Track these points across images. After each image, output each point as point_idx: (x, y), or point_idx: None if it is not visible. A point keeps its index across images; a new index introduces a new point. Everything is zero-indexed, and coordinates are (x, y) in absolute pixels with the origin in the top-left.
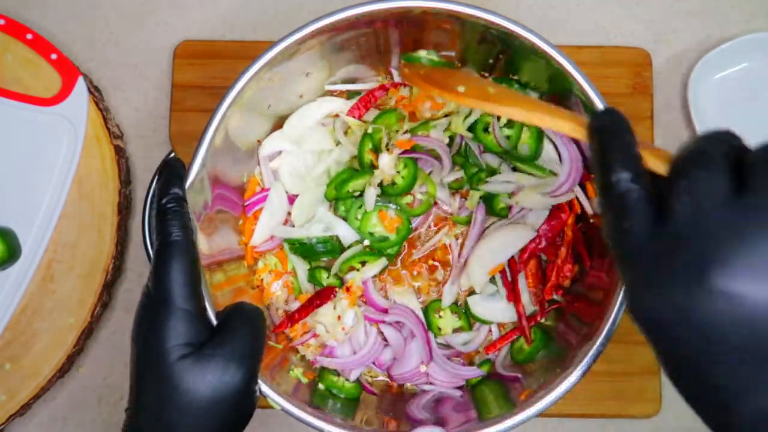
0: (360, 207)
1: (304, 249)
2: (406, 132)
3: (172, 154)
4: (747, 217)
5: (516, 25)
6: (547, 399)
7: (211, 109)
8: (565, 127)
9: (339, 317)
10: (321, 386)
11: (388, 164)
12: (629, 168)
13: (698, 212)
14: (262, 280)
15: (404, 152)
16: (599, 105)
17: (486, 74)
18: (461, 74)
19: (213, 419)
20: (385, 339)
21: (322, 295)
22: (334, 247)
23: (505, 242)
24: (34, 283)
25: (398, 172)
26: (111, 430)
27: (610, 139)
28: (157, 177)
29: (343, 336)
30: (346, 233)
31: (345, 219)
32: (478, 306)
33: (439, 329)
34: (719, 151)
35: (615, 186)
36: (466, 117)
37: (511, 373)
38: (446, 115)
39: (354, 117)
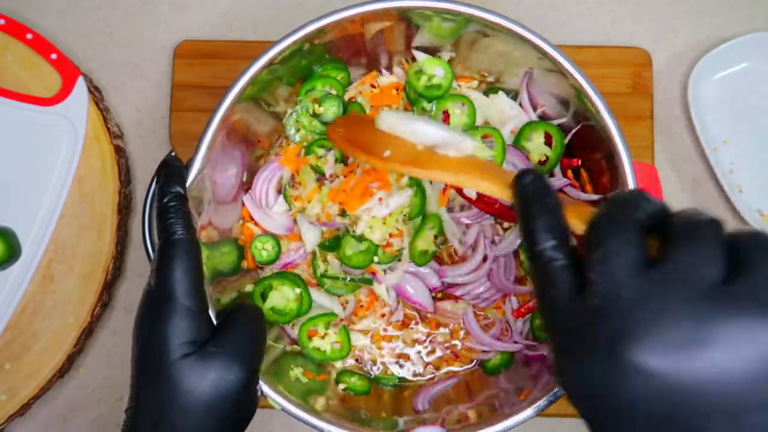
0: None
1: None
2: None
3: (173, 154)
4: (655, 292)
5: (516, 25)
6: (547, 399)
7: (211, 109)
8: (490, 189)
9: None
10: (341, 387)
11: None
12: (552, 236)
13: (611, 284)
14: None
15: None
16: (600, 106)
17: (485, 74)
18: (384, 133)
19: (214, 418)
20: None
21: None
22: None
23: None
24: (34, 283)
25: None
26: (111, 430)
27: (532, 204)
28: (156, 176)
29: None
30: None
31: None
32: None
33: None
34: (632, 219)
35: (539, 254)
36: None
37: (536, 352)
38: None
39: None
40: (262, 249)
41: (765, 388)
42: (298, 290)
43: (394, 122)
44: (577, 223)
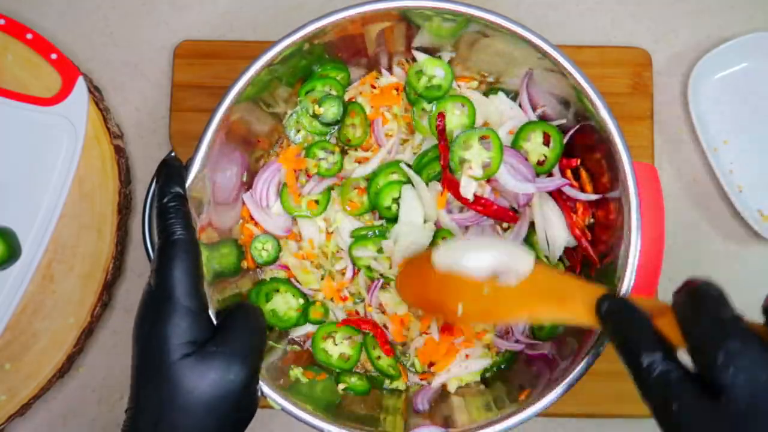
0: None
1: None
2: None
3: (173, 154)
4: None
5: (516, 25)
6: (547, 399)
7: (211, 109)
8: (572, 319)
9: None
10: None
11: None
12: (656, 348)
13: (752, 386)
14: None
15: None
16: (600, 106)
17: (486, 74)
18: (451, 278)
19: (214, 418)
20: None
21: None
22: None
23: None
24: (34, 283)
25: None
26: (111, 430)
27: (624, 322)
28: (156, 176)
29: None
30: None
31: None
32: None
33: None
34: (730, 312)
35: (650, 370)
36: None
37: (538, 351)
38: None
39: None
40: (262, 249)
41: None
42: (301, 301)
43: (450, 260)
44: (669, 332)
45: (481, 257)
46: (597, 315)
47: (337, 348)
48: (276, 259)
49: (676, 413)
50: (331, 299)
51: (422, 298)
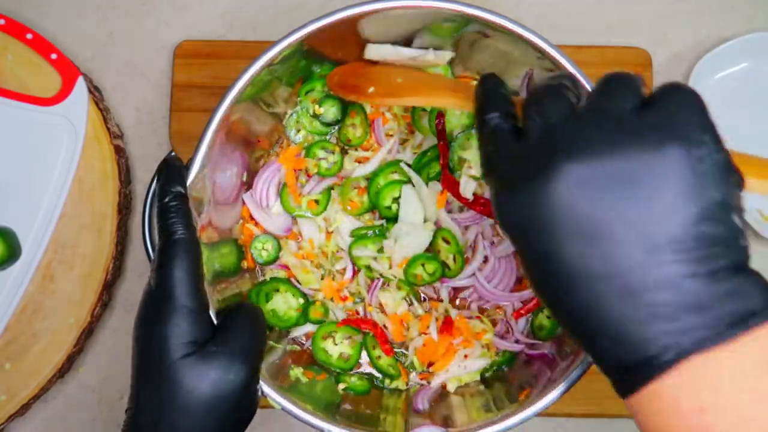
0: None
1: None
2: None
3: (173, 154)
4: (579, 128)
5: (516, 24)
6: (547, 399)
7: (211, 109)
8: (458, 103)
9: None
10: (341, 387)
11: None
12: (499, 109)
13: (544, 125)
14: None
15: None
16: None
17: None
18: (371, 71)
19: (215, 418)
20: None
21: None
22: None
23: None
24: (34, 283)
25: None
26: (111, 430)
27: (487, 91)
28: (157, 176)
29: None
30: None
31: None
32: None
33: None
34: (564, 79)
35: (487, 123)
36: None
37: (538, 351)
38: None
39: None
40: (262, 249)
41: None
42: (301, 300)
43: (379, 49)
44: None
45: (402, 49)
46: (476, 89)
47: (337, 348)
48: (276, 258)
49: (491, 151)
50: (331, 299)
51: (344, 85)
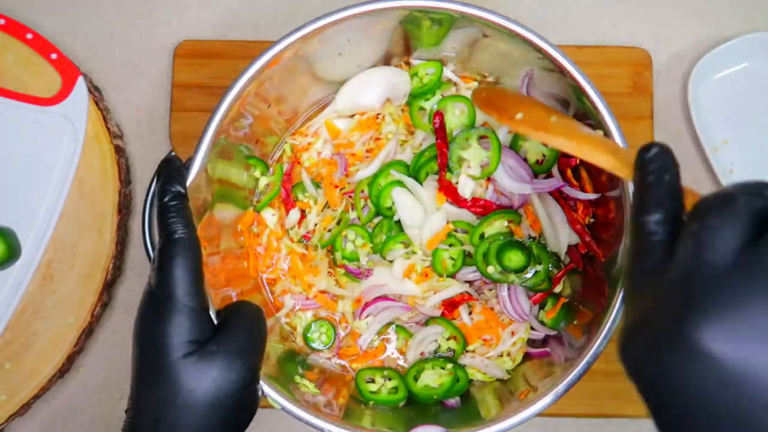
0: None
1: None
2: None
3: (172, 153)
4: (742, 274)
5: (516, 25)
6: (547, 399)
7: (211, 109)
8: (610, 163)
9: None
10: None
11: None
12: (660, 210)
13: (697, 258)
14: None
15: None
16: (600, 106)
17: (486, 75)
18: (524, 100)
19: (216, 418)
20: None
21: None
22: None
23: None
24: (34, 283)
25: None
26: (111, 430)
27: (650, 175)
28: (157, 175)
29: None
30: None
31: None
32: None
33: None
34: (746, 204)
35: (641, 225)
36: None
37: (538, 350)
38: None
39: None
40: (322, 335)
41: None
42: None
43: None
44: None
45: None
46: (636, 159)
47: (383, 387)
48: (334, 340)
49: (635, 272)
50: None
51: (490, 103)
